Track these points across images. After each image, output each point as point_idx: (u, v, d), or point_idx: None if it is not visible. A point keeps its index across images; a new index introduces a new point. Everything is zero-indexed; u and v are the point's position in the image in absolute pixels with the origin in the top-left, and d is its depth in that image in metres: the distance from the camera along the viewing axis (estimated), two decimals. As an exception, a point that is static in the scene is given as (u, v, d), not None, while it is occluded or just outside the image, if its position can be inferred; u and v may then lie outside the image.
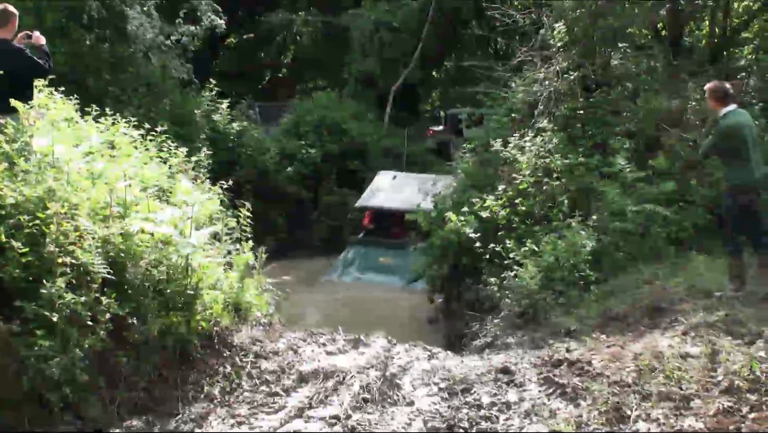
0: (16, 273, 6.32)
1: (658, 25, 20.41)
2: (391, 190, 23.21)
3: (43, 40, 9.37)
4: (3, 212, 6.59)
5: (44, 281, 6.34)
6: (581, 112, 17.08)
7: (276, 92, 45.28)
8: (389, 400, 7.50)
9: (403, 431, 6.70)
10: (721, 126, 10.15)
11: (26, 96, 8.60)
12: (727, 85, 10.40)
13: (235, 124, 24.44)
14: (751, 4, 21.47)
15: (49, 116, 8.06)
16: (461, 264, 15.86)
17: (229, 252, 9.93)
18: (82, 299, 6.52)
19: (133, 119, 10.41)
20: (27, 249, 6.38)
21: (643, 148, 15.70)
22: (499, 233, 14.77)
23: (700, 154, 11.59)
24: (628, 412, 6.48)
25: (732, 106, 10.11)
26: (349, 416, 6.97)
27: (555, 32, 18.43)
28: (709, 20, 20.83)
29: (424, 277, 17.58)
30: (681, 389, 6.78)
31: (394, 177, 24.07)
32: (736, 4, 21.27)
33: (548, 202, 15.16)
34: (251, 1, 43.49)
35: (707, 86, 10.44)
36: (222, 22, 24.45)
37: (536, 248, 13.23)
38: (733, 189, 10.16)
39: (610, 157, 15.24)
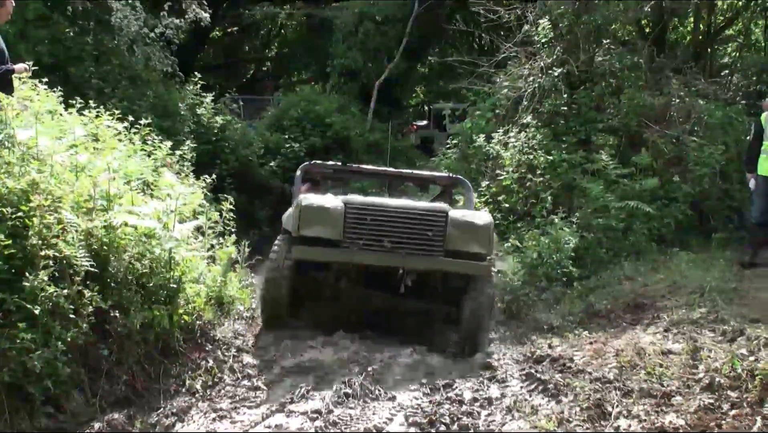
0: (-2, 265, 6.28)
1: (642, 22, 20.50)
2: None
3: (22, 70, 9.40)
4: (-15, 204, 6.52)
5: (27, 274, 6.31)
6: (565, 108, 17.15)
7: (260, 86, 45.21)
8: (371, 395, 7.50)
9: (384, 426, 6.71)
10: None
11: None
12: None
13: (218, 118, 24.29)
14: (736, 1, 21.60)
15: (33, 108, 8.01)
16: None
17: (213, 246, 9.95)
18: (65, 291, 6.50)
19: (116, 111, 10.39)
20: (9, 241, 6.34)
21: (627, 144, 15.77)
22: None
23: None
24: (610, 408, 6.50)
25: None
26: (330, 411, 6.98)
27: (539, 28, 18.48)
28: (694, 17, 20.96)
29: None
30: (662, 385, 6.82)
31: None
32: (720, 2, 21.40)
33: (531, 198, 15.25)
34: (236, -6, 43.43)
35: None
36: (206, 15, 24.36)
37: (519, 244, 13.29)
38: None
39: (593, 154, 15.31)
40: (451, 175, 13.63)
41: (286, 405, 7.16)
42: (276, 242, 9.97)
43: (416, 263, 9.50)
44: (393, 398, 7.42)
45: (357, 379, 7.78)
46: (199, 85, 23.82)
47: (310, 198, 9.71)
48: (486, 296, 9.68)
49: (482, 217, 10.06)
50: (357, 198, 10.06)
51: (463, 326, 9.59)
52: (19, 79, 9.12)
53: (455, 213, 9.87)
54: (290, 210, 9.93)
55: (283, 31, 47.89)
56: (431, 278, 9.97)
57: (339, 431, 6.59)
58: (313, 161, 12.93)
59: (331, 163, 13.06)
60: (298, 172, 12.13)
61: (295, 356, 8.70)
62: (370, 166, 14.15)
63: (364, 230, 9.46)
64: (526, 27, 18.90)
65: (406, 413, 6.97)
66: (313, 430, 6.55)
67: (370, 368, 8.10)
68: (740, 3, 21.38)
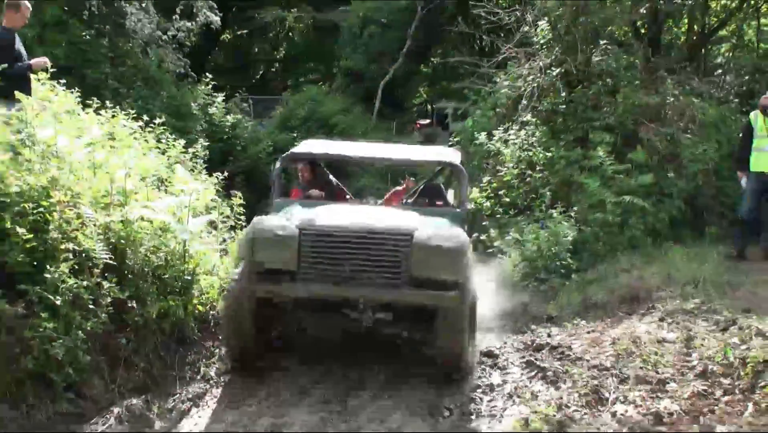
0: (21, 258, 6.47)
1: (638, 23, 20.63)
2: None
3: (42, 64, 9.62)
4: (8, 200, 6.71)
5: (48, 266, 6.52)
6: (563, 107, 17.22)
7: (269, 86, 45.39)
8: (375, 385, 7.77)
9: (387, 415, 6.98)
10: None
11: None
12: None
13: (229, 117, 24.54)
14: (729, 2, 21.72)
15: (52, 108, 8.20)
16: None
17: (225, 239, 10.13)
18: (84, 283, 6.73)
19: (131, 111, 10.61)
20: (31, 235, 6.54)
21: (623, 142, 15.90)
22: (484, 223, 15.01)
23: None
24: (607, 394, 6.74)
25: None
26: (337, 401, 7.24)
27: (538, 30, 18.62)
28: (688, 18, 21.08)
29: None
30: (657, 372, 7.04)
31: None
32: (714, 3, 21.50)
33: (531, 193, 15.40)
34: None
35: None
36: (217, 18, 24.61)
37: (519, 237, 13.47)
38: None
39: (590, 151, 15.42)
40: (443, 160, 11.23)
41: (294, 394, 7.41)
42: (237, 271, 8.32)
43: (376, 294, 7.88)
44: (397, 388, 7.65)
45: (361, 372, 8.09)
46: (210, 86, 24.09)
47: (263, 223, 8.21)
48: (457, 330, 7.87)
49: (453, 238, 8.12)
50: (314, 222, 8.21)
51: (437, 358, 8.27)
52: (38, 80, 9.33)
53: (421, 234, 8.01)
54: (245, 231, 8.64)
55: (291, 33, 48.01)
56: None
57: (344, 419, 6.84)
58: (292, 151, 10.76)
59: (317, 150, 10.83)
60: (278, 164, 10.51)
61: (301, 351, 8.86)
62: (358, 152, 11.28)
63: (321, 258, 7.91)
64: (525, 28, 19.01)
65: (409, 402, 7.25)
66: (319, 419, 6.80)
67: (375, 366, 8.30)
68: (733, 4, 21.43)
